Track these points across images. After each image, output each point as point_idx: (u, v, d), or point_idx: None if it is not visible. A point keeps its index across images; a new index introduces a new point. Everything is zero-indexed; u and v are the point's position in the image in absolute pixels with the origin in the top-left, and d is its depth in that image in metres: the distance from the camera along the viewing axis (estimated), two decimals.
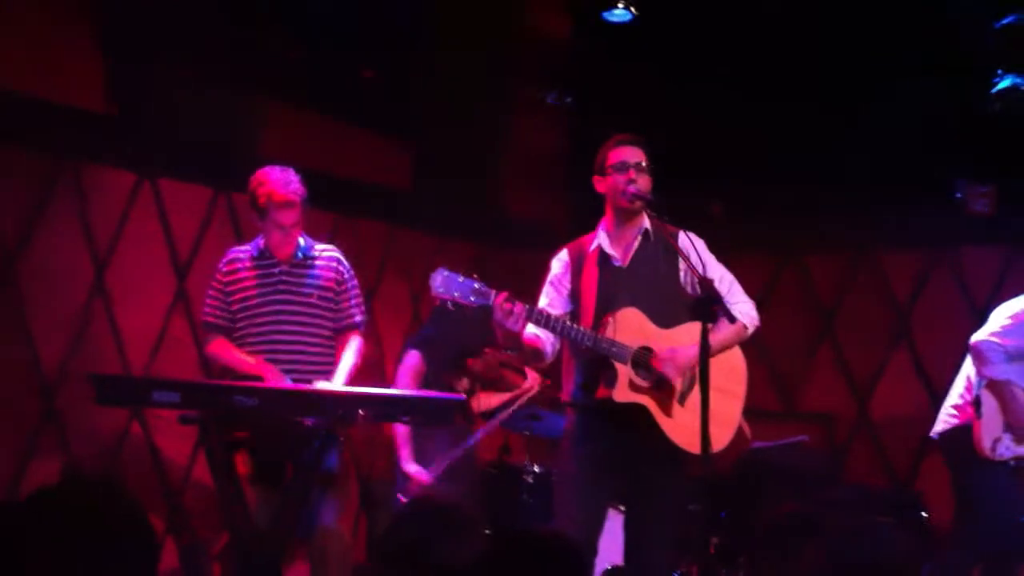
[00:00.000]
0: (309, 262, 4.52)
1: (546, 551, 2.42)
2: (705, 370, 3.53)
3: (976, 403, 4.97)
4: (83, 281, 5.57)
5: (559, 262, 4.16)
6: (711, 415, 3.59)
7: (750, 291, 4.28)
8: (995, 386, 4.93)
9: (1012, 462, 4.95)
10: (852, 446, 7.37)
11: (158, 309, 5.88)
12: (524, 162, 7.66)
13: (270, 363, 4.37)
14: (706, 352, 3.58)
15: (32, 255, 5.33)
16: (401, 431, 5.53)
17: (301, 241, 4.53)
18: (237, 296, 4.49)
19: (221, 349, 4.51)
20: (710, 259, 4.10)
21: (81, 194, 5.55)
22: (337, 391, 4.21)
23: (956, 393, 5.12)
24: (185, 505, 5.82)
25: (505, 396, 5.87)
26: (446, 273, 3.64)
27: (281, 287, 4.48)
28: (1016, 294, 5.13)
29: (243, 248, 4.58)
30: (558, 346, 4.08)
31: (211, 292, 4.56)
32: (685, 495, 4.16)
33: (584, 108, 7.40)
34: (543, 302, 4.07)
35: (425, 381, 5.50)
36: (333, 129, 6.56)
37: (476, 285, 3.65)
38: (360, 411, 3.89)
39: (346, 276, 4.57)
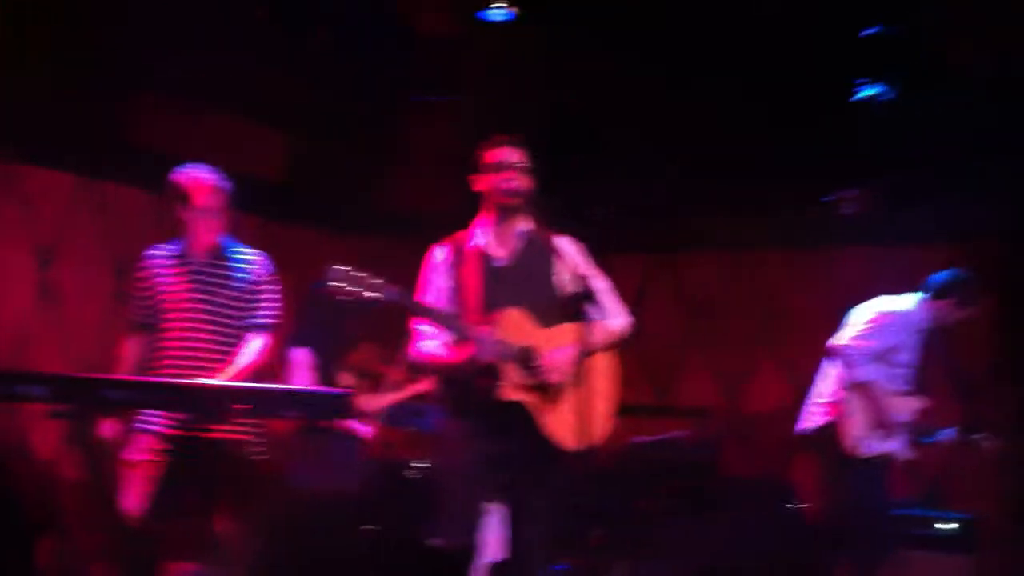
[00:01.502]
0: (228, 260, 4.45)
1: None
2: (586, 366, 3.60)
3: (842, 403, 5.13)
4: None
5: (436, 259, 4.14)
6: (590, 411, 3.74)
7: (625, 289, 4.38)
8: (860, 387, 5.11)
9: (878, 459, 5.13)
10: (726, 440, 7.54)
11: (24, 301, 5.63)
12: (411, 154, 7.58)
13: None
14: (586, 351, 3.65)
15: None
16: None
17: (221, 240, 4.45)
18: (155, 292, 4.40)
19: (124, 352, 4.42)
20: (588, 265, 4.16)
21: None
22: (210, 384, 4.08)
23: (825, 391, 5.27)
24: (59, 502, 5.59)
25: (393, 396, 5.83)
26: (341, 268, 3.62)
27: (198, 284, 4.40)
28: (877, 294, 5.31)
29: (160, 246, 4.49)
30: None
31: (134, 289, 4.47)
32: (564, 489, 4.20)
33: (471, 104, 7.36)
34: (426, 300, 4.04)
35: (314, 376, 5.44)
36: (202, 116, 6.38)
37: (372, 280, 3.64)
38: (234, 405, 3.79)
39: (265, 276, 4.49)
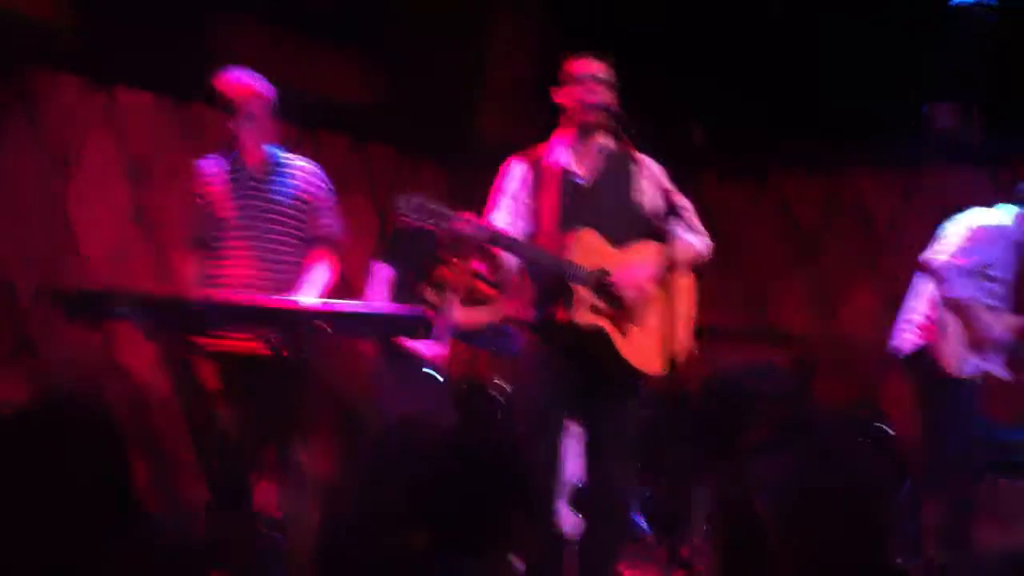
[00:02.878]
0: (281, 170, 4.41)
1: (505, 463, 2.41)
2: (666, 287, 3.56)
3: (938, 323, 4.97)
4: (40, 193, 5.42)
5: (515, 175, 4.05)
6: (664, 335, 3.72)
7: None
8: (957, 305, 4.93)
9: (977, 379, 4.98)
10: (821, 367, 7.42)
11: (119, 223, 5.75)
12: (498, 85, 7.52)
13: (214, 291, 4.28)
14: (667, 266, 3.61)
15: None
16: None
17: (274, 151, 4.41)
18: (211, 206, 4.37)
19: (185, 272, 4.43)
20: (671, 187, 4.06)
21: (32, 105, 5.39)
22: (300, 304, 4.12)
23: (919, 311, 5.11)
24: (153, 421, 5.76)
25: (482, 315, 5.83)
26: (412, 196, 3.60)
27: (251, 193, 4.36)
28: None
29: (214, 157, 4.43)
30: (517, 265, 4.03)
31: (190, 204, 4.45)
32: (639, 413, 4.18)
33: (562, 31, 7.26)
34: (500, 217, 3.98)
35: (395, 295, 5.46)
36: (302, 45, 6.40)
37: (442, 210, 3.63)
38: (321, 324, 3.82)
39: (324, 189, 4.46)
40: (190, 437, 4.20)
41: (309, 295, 4.31)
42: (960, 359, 4.93)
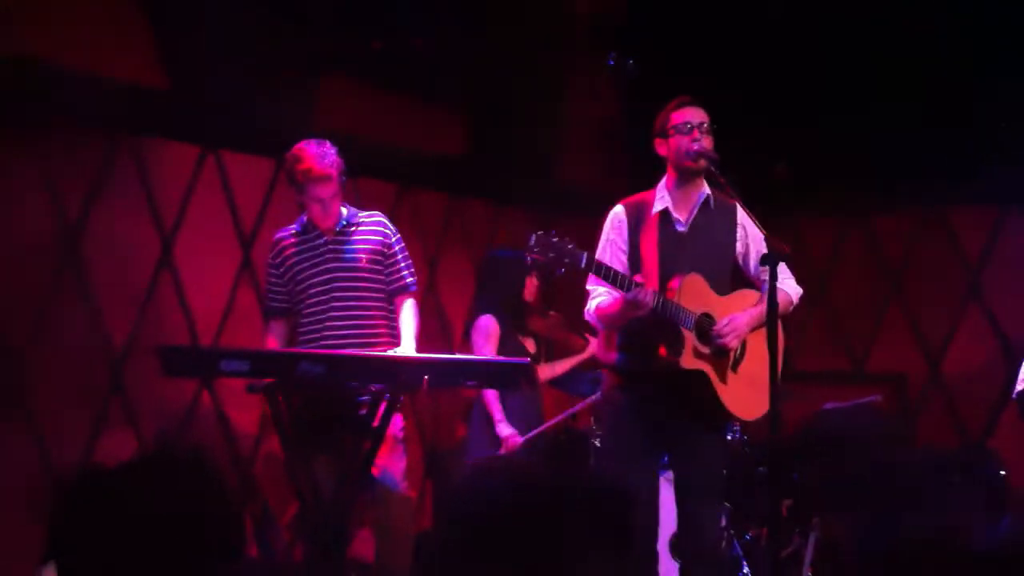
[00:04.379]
0: (353, 229, 4.54)
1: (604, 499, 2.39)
2: (774, 330, 3.56)
3: None
4: (150, 254, 5.62)
5: (617, 220, 4.13)
6: (757, 381, 3.79)
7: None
8: None
9: None
10: (924, 408, 7.26)
11: (224, 281, 5.92)
12: (581, 129, 7.60)
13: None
14: (774, 310, 3.60)
15: (96, 230, 5.38)
16: (491, 396, 5.53)
17: (344, 211, 4.55)
18: (288, 275, 4.55)
19: (267, 340, 4.58)
20: (765, 233, 4.07)
21: (144, 168, 5.59)
22: (401, 357, 4.21)
23: None
24: (255, 475, 5.88)
25: (570, 362, 5.88)
26: (542, 234, 3.68)
27: (329, 256, 4.51)
28: None
29: (288, 228, 4.62)
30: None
31: (268, 275, 4.63)
32: (727, 452, 4.32)
33: (641, 73, 7.31)
34: (602, 259, 4.04)
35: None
36: (387, 100, 6.55)
37: (570, 247, 3.70)
38: (425, 376, 3.89)
39: (392, 239, 4.58)
40: (291, 489, 4.28)
41: (408, 346, 4.39)
42: None
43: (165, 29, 5.48)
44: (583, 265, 3.75)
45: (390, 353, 4.29)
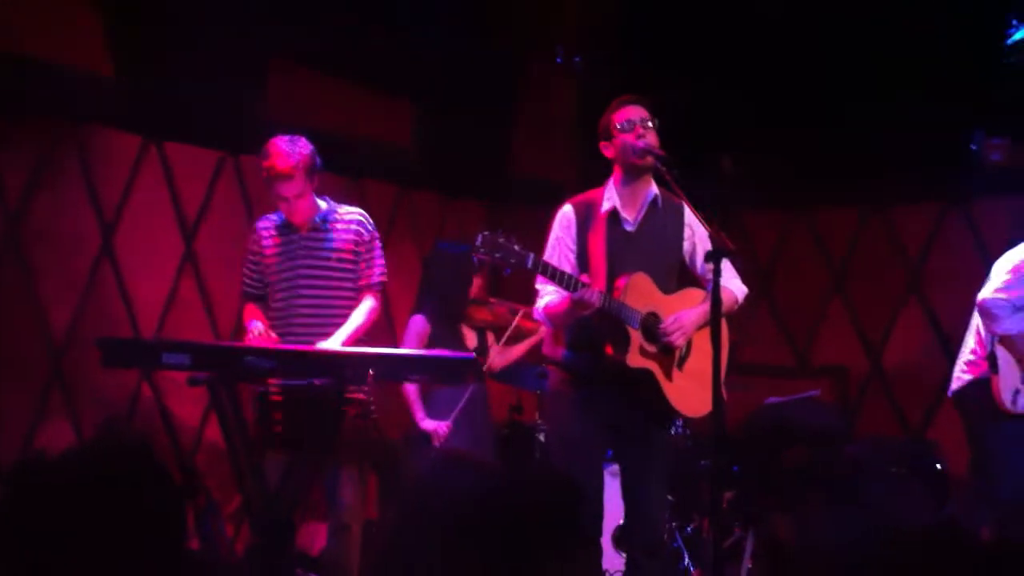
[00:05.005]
0: (328, 226, 4.52)
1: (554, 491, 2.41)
2: (717, 328, 3.58)
3: (991, 359, 4.94)
4: (91, 245, 5.56)
5: (565, 219, 4.13)
6: (702, 378, 3.82)
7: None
8: (1007, 341, 4.91)
9: None
10: (865, 400, 7.37)
11: (166, 272, 5.87)
12: (533, 121, 7.61)
13: (274, 334, 4.38)
14: (718, 306, 3.61)
15: (37, 218, 5.31)
16: (411, 391, 5.55)
17: (323, 205, 4.53)
18: (262, 264, 4.54)
19: (244, 314, 4.56)
20: (712, 231, 4.10)
21: (86, 157, 5.52)
22: (348, 351, 4.19)
23: (968, 349, 5.09)
24: (198, 467, 5.83)
25: (524, 346, 5.87)
26: (488, 234, 3.68)
27: (300, 252, 4.49)
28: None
29: (270, 217, 4.60)
30: None
31: (246, 261, 4.62)
32: (672, 447, 4.34)
33: (594, 68, 7.33)
34: (551, 258, 4.05)
35: (432, 341, 5.52)
36: (339, 88, 6.51)
37: (516, 247, 3.70)
38: (370, 370, 3.88)
39: (366, 237, 4.55)
40: (236, 481, 4.25)
41: (339, 338, 4.37)
42: (1014, 393, 4.89)
43: (112, 16, 5.40)
44: (529, 266, 3.76)
45: (325, 346, 4.26)
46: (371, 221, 4.58)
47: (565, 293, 3.91)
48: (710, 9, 6.76)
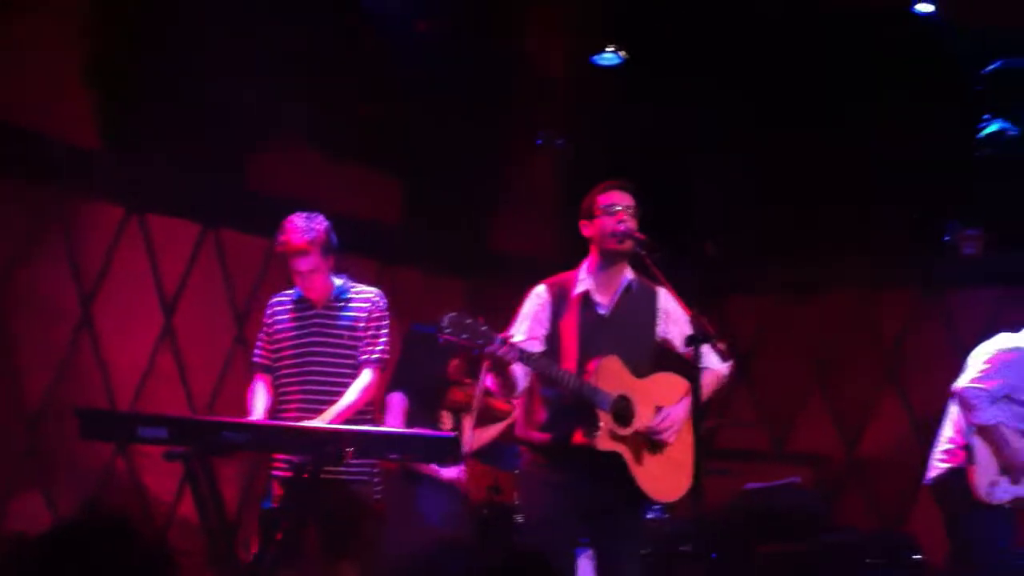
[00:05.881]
0: (343, 304, 4.54)
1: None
2: (699, 414, 3.60)
3: (968, 449, 4.95)
4: (69, 314, 5.52)
5: (538, 299, 4.13)
6: (675, 462, 3.93)
7: (741, 331, 4.33)
8: (985, 431, 4.91)
9: (1008, 505, 4.93)
10: (843, 488, 7.34)
11: (145, 345, 5.83)
12: (515, 199, 7.67)
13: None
14: (697, 392, 3.64)
15: (17, 286, 5.29)
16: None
17: (338, 282, 4.55)
18: (275, 338, 4.58)
19: (249, 393, 4.59)
20: (691, 314, 4.12)
21: (68, 227, 5.52)
22: (325, 428, 4.17)
23: (945, 438, 5.10)
24: (170, 542, 5.73)
25: (496, 429, 5.84)
26: (454, 315, 3.67)
27: (314, 329, 4.52)
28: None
29: (287, 292, 4.66)
30: (527, 383, 4.06)
31: (260, 334, 4.67)
32: (646, 531, 4.37)
33: (576, 148, 7.43)
34: (517, 336, 4.04)
35: (408, 421, 5.50)
36: (323, 163, 6.55)
37: (483, 328, 3.70)
38: (349, 448, 3.86)
39: (376, 313, 4.58)
40: (209, 558, 4.19)
41: (329, 416, 4.36)
42: (990, 484, 4.89)
43: (99, 89, 5.44)
44: (497, 349, 3.74)
45: (310, 423, 4.24)
46: (384, 300, 4.63)
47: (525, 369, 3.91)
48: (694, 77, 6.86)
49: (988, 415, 4.89)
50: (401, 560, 2.90)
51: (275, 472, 4.48)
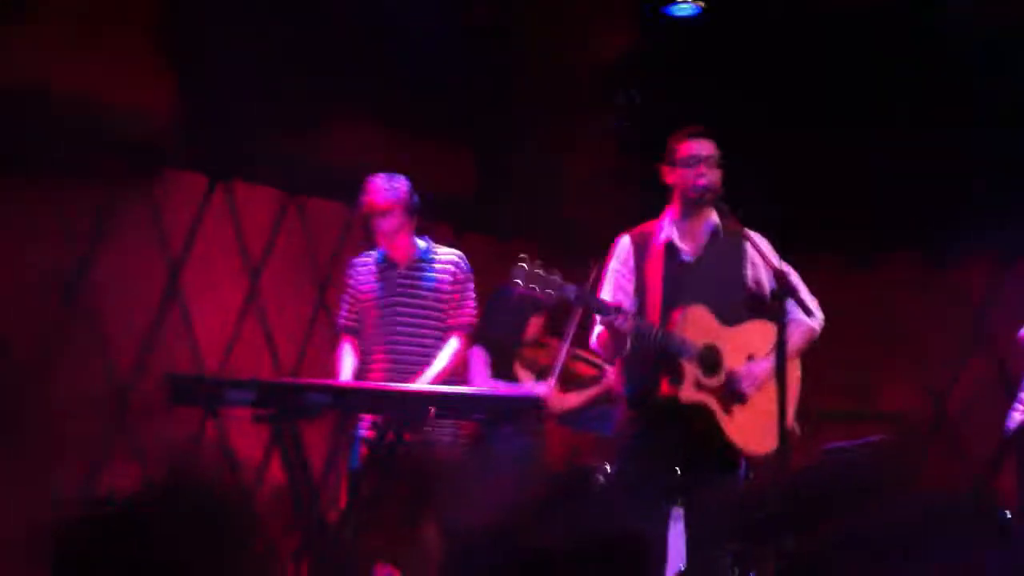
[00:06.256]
0: (426, 265, 4.59)
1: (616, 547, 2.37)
2: (782, 371, 3.54)
3: None
4: (157, 284, 5.63)
5: (622, 252, 4.10)
6: (767, 416, 3.74)
7: (816, 292, 4.23)
8: None
9: None
10: (929, 446, 7.24)
11: (231, 312, 5.93)
12: (588, 167, 7.63)
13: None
14: (782, 350, 3.58)
15: (106, 259, 5.40)
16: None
17: (422, 244, 4.60)
18: (360, 298, 4.64)
19: (337, 356, 4.66)
20: (777, 259, 4.05)
21: (154, 197, 5.62)
22: (407, 388, 4.21)
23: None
24: (258, 504, 5.84)
25: (582, 396, 5.80)
26: (527, 267, 3.67)
27: (399, 289, 4.58)
28: None
29: (370, 253, 4.73)
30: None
31: (343, 296, 4.73)
32: (739, 491, 4.15)
33: (650, 110, 7.36)
34: (606, 293, 4.02)
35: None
36: (399, 138, 6.59)
37: (553, 277, 3.69)
38: (431, 408, 3.89)
39: (461, 277, 4.62)
40: (297, 523, 4.26)
41: (426, 380, 4.40)
42: None
43: (181, 63, 5.52)
44: (571, 297, 3.74)
45: (396, 385, 4.29)
46: (467, 263, 4.65)
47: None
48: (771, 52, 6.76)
49: None
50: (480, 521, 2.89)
51: (361, 433, 4.56)
